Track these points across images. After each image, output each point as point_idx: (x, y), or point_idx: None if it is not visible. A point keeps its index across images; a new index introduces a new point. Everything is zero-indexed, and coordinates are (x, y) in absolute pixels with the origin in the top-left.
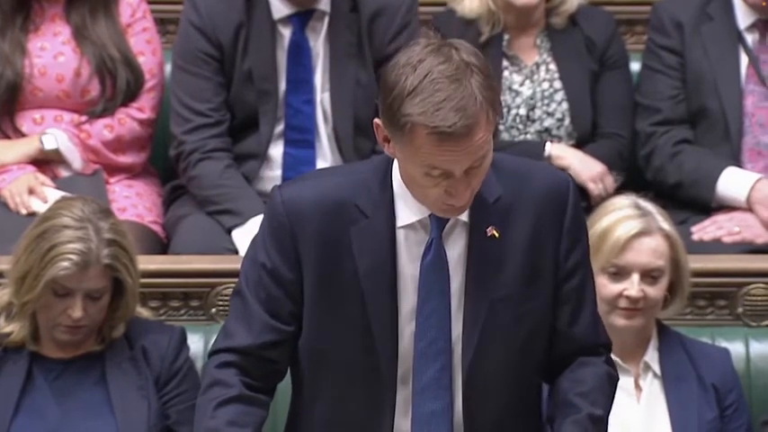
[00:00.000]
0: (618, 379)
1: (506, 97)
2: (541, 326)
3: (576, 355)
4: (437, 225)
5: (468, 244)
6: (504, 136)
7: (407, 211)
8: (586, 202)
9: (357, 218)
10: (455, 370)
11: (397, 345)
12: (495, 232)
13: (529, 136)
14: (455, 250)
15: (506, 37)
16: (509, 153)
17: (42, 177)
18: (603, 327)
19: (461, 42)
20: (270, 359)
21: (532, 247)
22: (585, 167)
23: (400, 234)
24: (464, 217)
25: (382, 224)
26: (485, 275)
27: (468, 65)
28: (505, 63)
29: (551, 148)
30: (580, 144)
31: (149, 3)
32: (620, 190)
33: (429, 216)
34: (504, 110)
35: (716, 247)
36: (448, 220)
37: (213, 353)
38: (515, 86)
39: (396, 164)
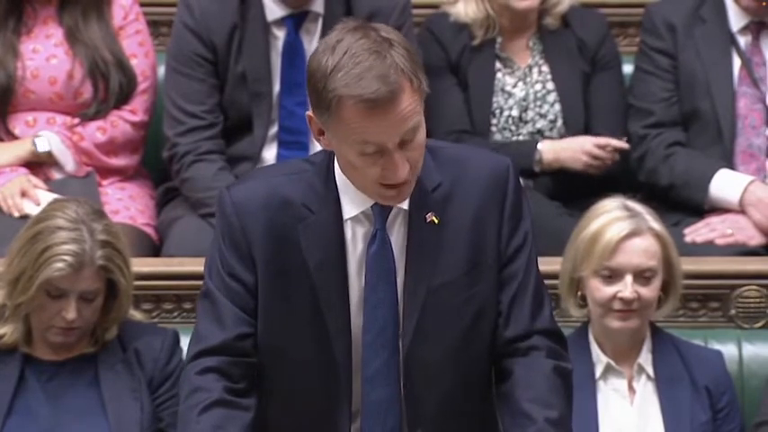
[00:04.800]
0: (569, 369)
1: (499, 99)
2: (487, 310)
3: (519, 339)
4: (380, 215)
5: (408, 232)
6: (497, 137)
7: (351, 205)
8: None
9: (305, 215)
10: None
11: (350, 337)
12: (434, 218)
13: (521, 137)
14: (398, 239)
15: (499, 39)
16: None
17: (35, 180)
18: (551, 313)
19: (380, 24)
20: (245, 353)
21: (474, 232)
22: (573, 161)
23: (347, 228)
24: (405, 205)
25: (329, 218)
26: (425, 262)
27: (386, 39)
28: (498, 65)
29: (542, 148)
30: None
31: (142, 5)
32: (611, 192)
33: (372, 207)
34: (497, 111)
35: (709, 249)
36: (390, 209)
37: (190, 359)
38: (508, 88)
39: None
